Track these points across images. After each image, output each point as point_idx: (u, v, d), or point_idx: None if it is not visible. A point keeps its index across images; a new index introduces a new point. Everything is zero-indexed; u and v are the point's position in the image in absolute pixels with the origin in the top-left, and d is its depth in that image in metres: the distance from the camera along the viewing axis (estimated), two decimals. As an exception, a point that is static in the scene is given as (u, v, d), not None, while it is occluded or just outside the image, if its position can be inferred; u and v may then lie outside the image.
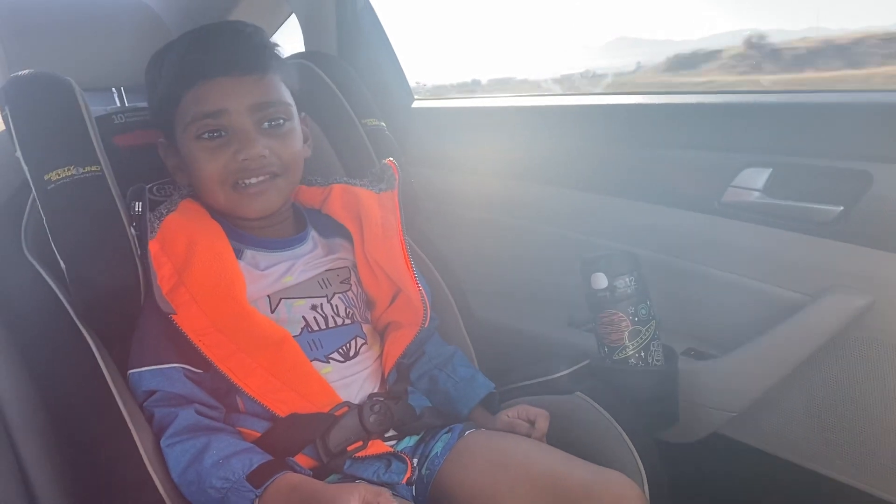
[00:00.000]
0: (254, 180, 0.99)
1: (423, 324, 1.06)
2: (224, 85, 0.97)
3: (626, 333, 1.19)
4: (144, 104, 1.19)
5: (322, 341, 1.01)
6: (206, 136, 0.97)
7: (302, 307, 1.02)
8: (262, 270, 1.01)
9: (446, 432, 1.05)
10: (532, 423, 1.06)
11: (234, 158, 0.96)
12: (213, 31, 1.03)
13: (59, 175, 0.90)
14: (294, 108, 1.05)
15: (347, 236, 1.13)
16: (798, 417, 1.28)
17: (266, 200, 1.01)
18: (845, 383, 1.21)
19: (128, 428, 0.86)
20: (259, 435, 0.94)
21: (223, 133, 0.97)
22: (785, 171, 1.21)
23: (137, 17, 1.26)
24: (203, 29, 1.03)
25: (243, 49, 1.00)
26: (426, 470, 1.01)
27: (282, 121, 1.01)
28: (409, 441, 1.05)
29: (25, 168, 0.92)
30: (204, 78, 0.96)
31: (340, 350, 1.03)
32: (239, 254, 1.00)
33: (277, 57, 1.05)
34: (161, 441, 0.88)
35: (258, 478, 0.85)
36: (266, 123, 0.99)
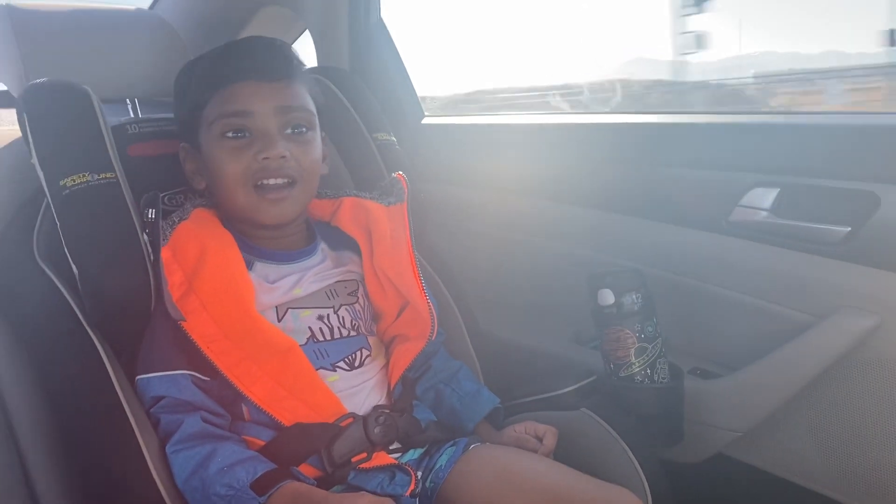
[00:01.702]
0: (272, 181, 0.99)
1: (431, 336, 1.06)
2: (252, 87, 0.99)
3: (633, 350, 1.19)
4: (158, 115, 1.21)
5: (328, 351, 1.02)
6: (229, 134, 0.99)
7: (308, 317, 1.02)
8: (272, 283, 1.02)
9: (451, 445, 1.05)
10: (540, 439, 1.06)
11: (256, 158, 0.98)
12: (243, 42, 1.07)
13: (74, 181, 0.91)
14: (317, 120, 1.06)
15: (356, 249, 1.13)
16: (804, 439, 1.27)
17: (283, 208, 1.02)
18: (852, 404, 1.20)
19: (134, 433, 0.86)
20: (264, 444, 0.94)
21: (247, 133, 0.99)
22: (793, 191, 1.22)
23: (153, 30, 1.28)
24: (233, 41, 1.07)
25: (273, 57, 1.03)
26: (430, 483, 1.01)
27: (304, 129, 1.03)
28: (414, 454, 1.06)
29: (41, 174, 0.93)
30: (233, 81, 0.99)
31: (346, 360, 1.03)
32: (249, 265, 1.01)
33: (304, 69, 1.08)
34: (166, 447, 0.88)
35: (262, 486, 0.85)
36: (289, 129, 1.01)
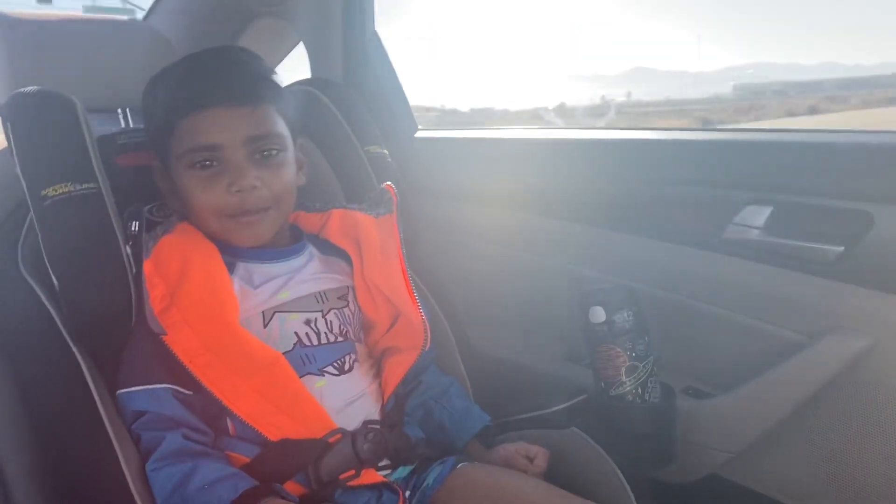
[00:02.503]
0: (248, 219, 0.99)
1: (424, 347, 1.05)
2: (218, 116, 0.96)
3: (624, 369, 1.18)
4: (147, 126, 1.20)
5: (315, 356, 1.00)
6: (198, 165, 0.97)
7: (295, 321, 1.01)
8: (256, 288, 1.01)
9: (439, 464, 1.03)
10: (531, 460, 1.05)
11: (228, 190, 0.96)
12: (209, 59, 1.03)
13: (55, 191, 0.90)
14: (289, 139, 1.04)
15: (346, 259, 1.12)
16: (797, 459, 1.26)
17: (258, 230, 1.01)
18: (846, 426, 1.20)
19: (114, 450, 0.85)
20: (249, 460, 0.92)
21: (215, 163, 0.97)
22: (786, 209, 1.21)
23: (145, 40, 1.27)
24: (199, 56, 1.03)
25: (239, 79, 1.00)
26: (417, 502, 1.00)
27: (275, 152, 1.01)
28: (403, 471, 1.04)
29: (23, 183, 0.92)
30: (198, 108, 0.96)
31: (335, 364, 1.02)
32: (232, 268, 1.00)
33: (273, 87, 1.04)
34: (147, 465, 0.87)
35: None
36: (258, 154, 0.99)
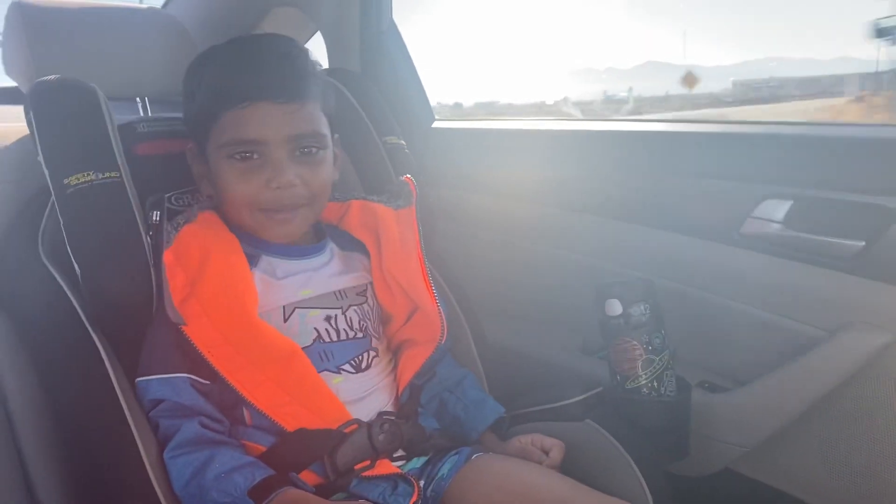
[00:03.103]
0: (282, 214, 0.99)
1: (441, 341, 1.05)
2: (265, 111, 0.95)
3: (640, 362, 1.17)
4: (168, 115, 1.20)
5: (333, 353, 1.01)
6: (237, 156, 0.96)
7: (316, 318, 1.01)
8: (280, 280, 1.01)
9: (454, 454, 1.03)
10: (546, 452, 1.05)
11: (267, 186, 0.96)
12: (259, 47, 1.01)
13: (78, 179, 0.91)
14: (328, 137, 1.04)
15: (364, 252, 1.13)
16: (813, 456, 1.26)
17: (290, 228, 1.01)
18: (863, 422, 1.19)
19: (133, 437, 0.85)
20: (265, 449, 0.93)
21: (256, 156, 0.96)
22: (806, 203, 1.20)
23: (164, 28, 1.27)
24: (248, 42, 1.02)
25: (289, 75, 0.98)
26: (431, 492, 1.00)
27: (315, 150, 1.00)
28: (417, 462, 1.04)
29: (46, 171, 0.92)
30: (246, 101, 0.95)
31: (352, 362, 1.02)
32: (255, 260, 1.00)
33: (320, 83, 1.03)
34: (164, 453, 0.87)
35: (260, 493, 0.84)
36: (299, 152, 0.99)
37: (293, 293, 1.01)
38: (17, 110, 1.13)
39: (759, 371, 1.24)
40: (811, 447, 1.26)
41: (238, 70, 0.98)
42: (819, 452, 1.25)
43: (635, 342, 1.18)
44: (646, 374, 1.17)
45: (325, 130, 1.03)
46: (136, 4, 1.34)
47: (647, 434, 1.14)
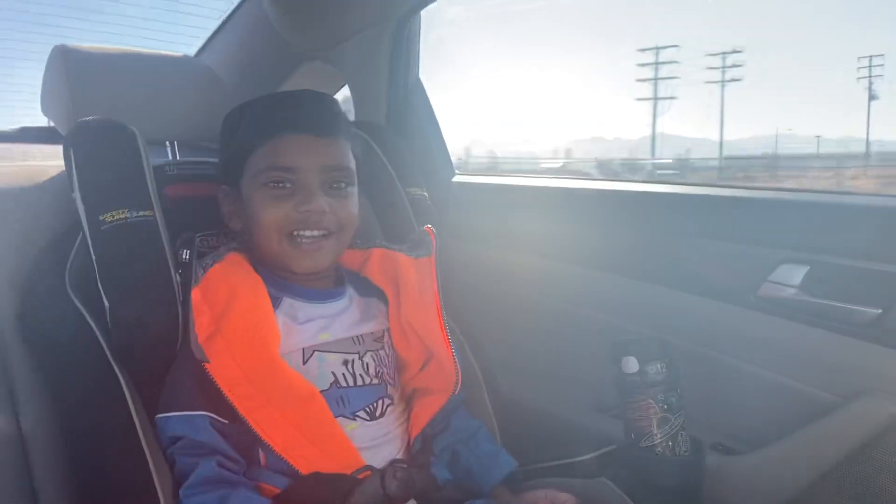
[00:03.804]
0: (309, 233, 1.01)
1: (454, 391, 1.06)
2: (301, 142, 1.01)
3: (655, 421, 1.17)
4: (195, 158, 1.23)
5: (349, 398, 1.02)
6: (271, 184, 1.00)
7: (334, 362, 1.02)
8: (301, 324, 1.02)
9: (467, 506, 1.03)
10: None
11: (296, 209, 0.99)
12: (295, 93, 1.09)
13: (113, 217, 0.94)
14: (355, 177, 1.08)
15: (383, 298, 1.14)
16: (827, 524, 1.24)
17: (317, 258, 1.03)
18: (878, 491, 1.17)
19: (150, 473, 0.86)
20: (279, 491, 0.93)
21: (288, 184, 1.00)
22: (822, 269, 1.21)
23: (198, 76, 1.32)
24: (285, 91, 1.11)
25: (323, 112, 1.05)
26: (443, 543, 1.00)
27: (344, 184, 1.05)
28: (428, 512, 1.04)
29: (82, 207, 0.95)
30: (284, 132, 1.01)
31: (367, 409, 1.03)
32: (277, 302, 1.02)
33: (350, 126, 1.10)
34: (181, 491, 0.88)
35: None
36: (329, 185, 1.03)
37: (312, 336, 1.03)
38: (45, 149, 1.17)
39: (774, 435, 1.23)
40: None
41: (277, 107, 1.05)
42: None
43: (651, 400, 1.18)
44: (661, 432, 1.17)
45: (354, 168, 1.07)
46: (171, 52, 1.39)
47: (662, 493, 1.13)
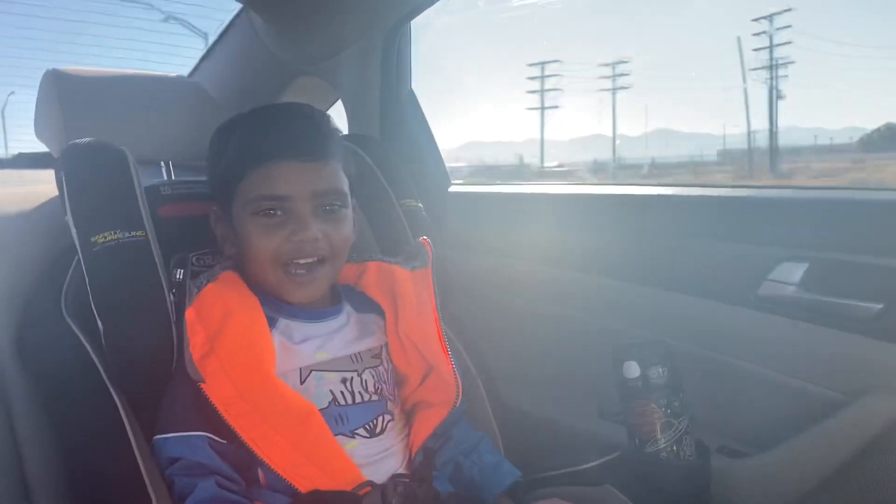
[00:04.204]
0: (303, 261, 1.00)
1: (455, 404, 1.05)
2: (291, 169, 0.99)
3: (659, 425, 1.16)
4: (190, 178, 1.23)
5: (348, 416, 1.01)
6: (262, 213, 0.99)
7: (332, 380, 1.02)
8: (297, 344, 1.01)
9: (470, 518, 1.02)
10: None
11: (289, 239, 0.98)
12: (282, 112, 1.06)
13: (105, 238, 0.93)
14: (349, 196, 1.07)
15: (380, 313, 1.13)
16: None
17: (312, 288, 1.02)
18: (886, 489, 1.16)
19: (148, 495, 0.85)
20: None
21: (279, 213, 0.99)
22: (822, 266, 1.20)
23: (189, 95, 1.32)
24: (272, 109, 1.07)
25: (313, 136, 1.03)
26: (447, 557, 0.99)
27: (337, 207, 1.03)
28: (432, 526, 1.03)
29: (74, 230, 0.95)
30: (273, 159, 0.99)
31: (367, 426, 1.02)
32: (273, 322, 1.01)
33: (341, 145, 1.08)
34: None
35: None
36: (322, 209, 1.01)
37: (309, 356, 1.02)
38: (38, 174, 1.17)
39: (779, 436, 1.22)
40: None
41: (265, 131, 1.02)
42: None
43: (654, 405, 1.17)
44: (665, 437, 1.16)
45: (346, 189, 1.06)
46: (164, 73, 1.39)
47: (668, 499, 1.12)
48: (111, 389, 0.91)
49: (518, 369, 1.58)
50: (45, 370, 1.01)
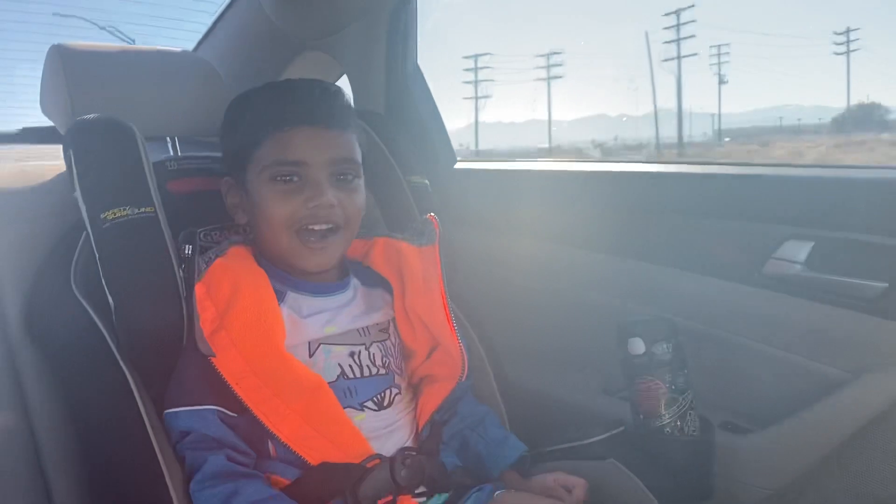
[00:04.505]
0: (318, 227, 1.01)
1: (461, 377, 1.06)
2: (308, 134, 1.00)
3: (663, 401, 1.17)
4: (197, 153, 1.23)
5: (357, 389, 1.02)
6: (279, 178, 1.00)
7: (340, 354, 1.02)
8: (305, 318, 1.02)
9: (476, 491, 1.03)
10: (569, 490, 1.05)
11: (305, 205, 0.99)
12: (300, 83, 1.07)
13: (114, 214, 0.93)
14: (361, 169, 1.08)
15: (388, 288, 1.14)
16: (837, 500, 1.24)
17: (324, 256, 1.03)
18: (888, 465, 1.17)
19: (160, 468, 0.86)
20: (289, 482, 0.94)
21: (296, 178, 1.00)
22: (827, 244, 1.21)
23: (195, 71, 1.31)
24: (290, 81, 1.08)
25: (331, 105, 1.04)
26: (454, 529, 1.00)
27: (351, 176, 1.04)
28: (439, 499, 1.04)
29: (83, 206, 0.95)
30: (290, 124, 0.99)
31: (375, 399, 1.03)
32: (281, 296, 1.02)
33: (356, 118, 1.09)
34: (190, 485, 0.88)
35: None
36: (337, 177, 1.02)
37: (317, 330, 1.03)
38: (44, 149, 1.17)
39: (783, 412, 1.23)
40: (835, 491, 1.24)
41: (283, 99, 1.03)
42: (843, 496, 1.23)
43: (658, 381, 1.18)
44: (669, 412, 1.17)
45: (360, 160, 1.07)
46: (170, 48, 1.38)
47: (671, 474, 1.13)
48: (122, 364, 0.92)
49: (523, 345, 1.58)
50: (56, 345, 1.02)
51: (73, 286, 0.99)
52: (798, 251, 1.23)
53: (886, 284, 1.13)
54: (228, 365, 0.92)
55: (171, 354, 0.96)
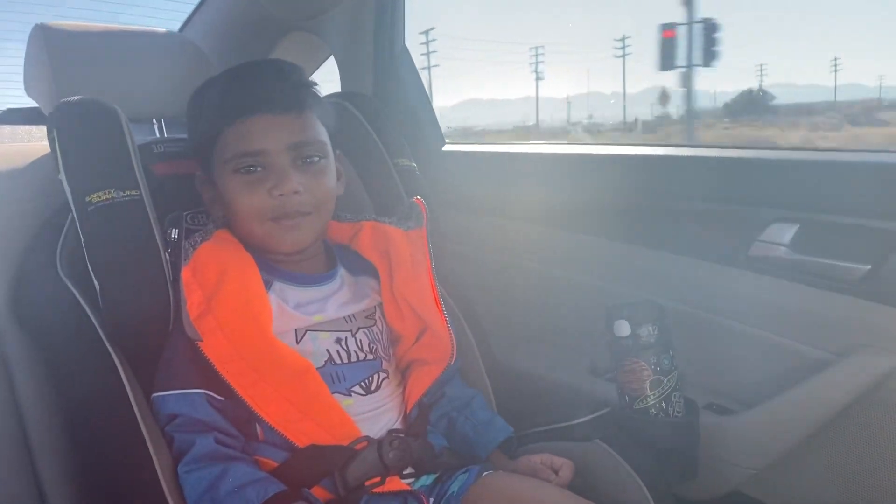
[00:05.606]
0: (288, 222, 1.00)
1: (450, 361, 1.06)
2: (264, 122, 0.98)
3: (648, 383, 1.18)
4: (183, 136, 1.22)
5: (344, 374, 1.02)
6: (242, 170, 0.99)
7: (327, 340, 1.03)
8: (292, 308, 1.02)
9: (463, 473, 1.04)
10: (555, 471, 1.06)
11: (271, 195, 0.98)
12: (253, 69, 1.05)
13: (99, 197, 0.92)
14: (329, 146, 1.06)
15: (375, 274, 1.14)
16: (820, 479, 1.26)
17: (299, 235, 1.02)
18: (871, 445, 1.19)
19: (148, 451, 0.86)
20: (277, 465, 0.94)
21: (259, 168, 0.99)
22: (812, 227, 1.21)
23: (182, 52, 1.30)
24: (243, 66, 1.06)
25: (283, 87, 1.02)
26: (441, 510, 1.01)
27: (317, 158, 1.03)
28: (427, 480, 1.05)
29: (67, 189, 0.94)
30: (244, 115, 0.98)
31: (363, 384, 1.03)
32: (268, 284, 1.01)
33: (315, 95, 1.07)
34: (178, 467, 0.88)
35: None
36: (301, 161, 1.01)
37: (305, 319, 1.03)
38: (33, 129, 1.16)
39: (767, 393, 1.25)
40: (819, 470, 1.26)
41: (234, 89, 1.02)
42: (827, 475, 1.25)
43: (643, 363, 1.18)
44: (654, 394, 1.18)
45: (325, 139, 1.06)
46: (155, 28, 1.36)
47: (656, 455, 1.14)
48: (109, 347, 0.91)
49: (511, 328, 1.59)
50: (42, 328, 1.01)
51: (59, 269, 0.98)
52: (783, 234, 1.24)
53: (870, 266, 1.14)
54: (215, 348, 0.92)
55: (157, 337, 0.96)
